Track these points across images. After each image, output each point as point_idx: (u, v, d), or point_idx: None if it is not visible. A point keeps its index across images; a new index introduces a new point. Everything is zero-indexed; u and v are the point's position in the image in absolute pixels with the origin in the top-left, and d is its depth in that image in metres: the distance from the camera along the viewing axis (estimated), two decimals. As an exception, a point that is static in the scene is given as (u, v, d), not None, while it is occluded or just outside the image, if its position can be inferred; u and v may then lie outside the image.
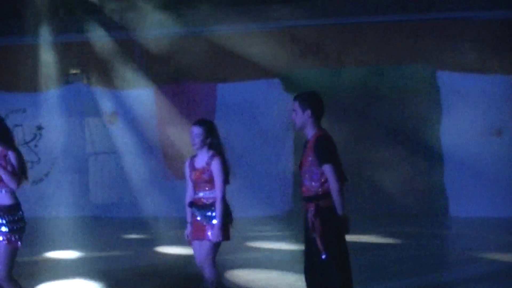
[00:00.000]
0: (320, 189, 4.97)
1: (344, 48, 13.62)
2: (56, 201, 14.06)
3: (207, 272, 5.64)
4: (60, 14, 13.92)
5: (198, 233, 5.66)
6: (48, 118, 14.24)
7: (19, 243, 5.35)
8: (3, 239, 5.27)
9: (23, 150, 11.51)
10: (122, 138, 13.87)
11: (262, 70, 13.37)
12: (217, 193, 5.59)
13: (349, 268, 5.03)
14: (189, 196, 5.83)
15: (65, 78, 14.38)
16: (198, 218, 5.67)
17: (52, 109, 14.12)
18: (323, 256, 4.84)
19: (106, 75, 14.10)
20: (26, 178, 5.42)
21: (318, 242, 4.85)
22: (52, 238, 11.27)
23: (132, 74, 13.87)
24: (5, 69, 14.29)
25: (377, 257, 8.87)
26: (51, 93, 14.29)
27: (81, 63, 14.40)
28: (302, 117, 5.04)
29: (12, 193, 5.39)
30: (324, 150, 4.96)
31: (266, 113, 13.58)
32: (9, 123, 11.37)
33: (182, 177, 6.08)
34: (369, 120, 13.32)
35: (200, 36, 13.73)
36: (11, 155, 5.31)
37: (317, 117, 5.04)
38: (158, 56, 13.75)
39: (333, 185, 4.92)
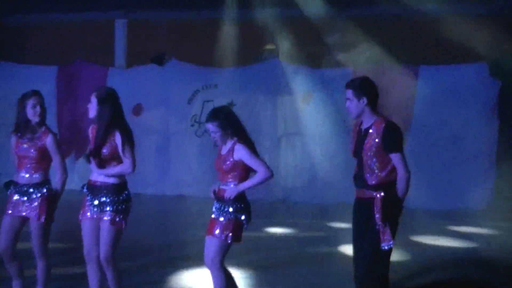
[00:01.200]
0: (387, 178, 4.75)
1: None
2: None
3: (213, 278, 4.97)
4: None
5: (209, 228, 5.02)
6: (240, 95, 13.29)
7: (123, 224, 5.01)
8: (107, 219, 4.96)
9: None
10: (316, 119, 12.85)
11: (467, 54, 12.26)
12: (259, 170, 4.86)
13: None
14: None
15: (260, 54, 13.75)
16: (213, 210, 5.05)
17: (244, 86, 13.24)
18: (386, 246, 4.63)
19: (302, 52, 13.20)
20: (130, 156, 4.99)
21: (386, 232, 4.61)
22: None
23: (329, 52, 12.99)
24: (200, 44, 13.79)
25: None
26: (244, 69, 13.42)
27: (276, 39, 13.65)
28: (358, 105, 4.81)
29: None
30: (395, 137, 4.75)
31: (471, 98, 12.42)
32: (201, 98, 12.38)
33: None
34: None
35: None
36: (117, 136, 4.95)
37: (374, 104, 4.82)
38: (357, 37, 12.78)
39: (402, 174, 4.72)
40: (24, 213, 5.29)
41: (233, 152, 4.92)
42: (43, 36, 14.23)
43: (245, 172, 4.95)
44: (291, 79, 12.94)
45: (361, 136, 4.91)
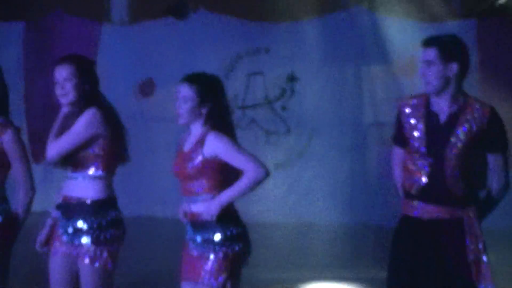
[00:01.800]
0: (476, 187, 4.30)
1: None
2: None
3: None
4: None
5: (188, 270, 4.23)
6: (304, 64, 10.83)
7: (109, 263, 4.29)
8: (85, 257, 4.27)
9: (262, 112, 10.45)
10: None
11: None
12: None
13: None
14: None
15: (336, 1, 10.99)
16: (188, 242, 4.21)
17: (311, 50, 10.76)
18: None
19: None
20: (123, 158, 4.45)
21: (486, 267, 4.14)
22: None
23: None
24: None
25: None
26: (310, 24, 10.82)
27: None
28: (443, 73, 4.15)
29: (103, 180, 4.36)
30: (504, 132, 4.20)
31: None
32: (244, 69, 11.05)
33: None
34: None
35: None
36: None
37: (463, 77, 4.17)
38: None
39: (502, 184, 4.26)
40: None
41: (202, 144, 4.17)
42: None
43: (222, 176, 4.20)
44: (386, 37, 10.68)
45: (438, 124, 4.21)
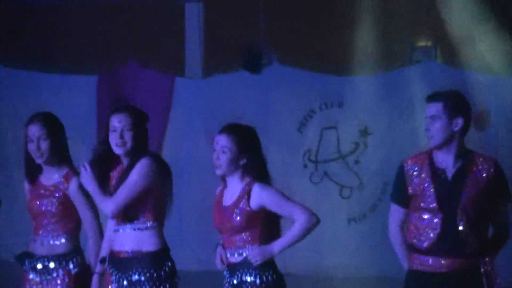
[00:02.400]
0: (488, 238, 4.31)
1: None
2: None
3: None
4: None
5: None
6: (379, 118, 10.76)
7: None
8: None
9: (335, 166, 10.35)
10: (497, 149, 10.21)
11: None
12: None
13: None
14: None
15: (407, 55, 11.14)
16: (230, 286, 4.23)
17: (384, 103, 10.71)
18: None
19: (474, 50, 10.58)
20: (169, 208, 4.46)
21: None
22: None
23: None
24: (315, 36, 11.33)
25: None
26: (384, 78, 10.79)
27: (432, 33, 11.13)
28: (447, 128, 4.24)
29: (155, 231, 4.34)
30: (507, 183, 4.32)
31: None
32: (317, 123, 10.91)
33: None
34: None
35: None
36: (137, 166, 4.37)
37: (465, 132, 4.29)
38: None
39: (505, 233, 4.34)
40: None
41: (248, 197, 4.16)
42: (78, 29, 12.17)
43: (266, 227, 4.20)
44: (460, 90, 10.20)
45: (446, 179, 4.27)
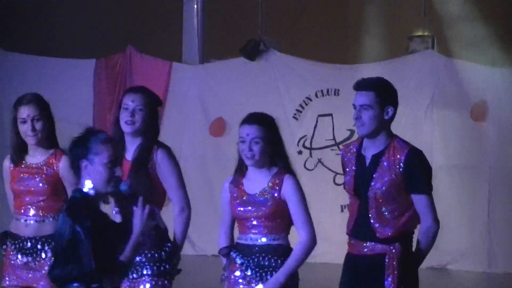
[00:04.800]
0: (404, 228, 4.24)
1: None
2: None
3: None
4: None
5: None
6: None
7: None
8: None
9: (330, 153, 10.47)
10: (494, 144, 10.32)
11: None
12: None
13: None
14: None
15: (405, 44, 11.13)
16: (248, 273, 4.21)
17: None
18: None
19: (473, 41, 10.73)
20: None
21: None
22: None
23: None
24: (313, 25, 11.73)
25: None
26: (380, 67, 10.70)
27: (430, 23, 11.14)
28: (379, 117, 4.19)
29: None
30: (427, 173, 4.21)
31: None
32: (313, 111, 10.98)
33: None
34: None
35: None
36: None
37: (393, 118, 4.28)
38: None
39: (429, 224, 4.19)
40: (30, 283, 4.70)
41: (280, 186, 4.20)
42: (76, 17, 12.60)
43: (286, 219, 4.27)
44: (456, 81, 10.62)
45: (364, 166, 4.32)
